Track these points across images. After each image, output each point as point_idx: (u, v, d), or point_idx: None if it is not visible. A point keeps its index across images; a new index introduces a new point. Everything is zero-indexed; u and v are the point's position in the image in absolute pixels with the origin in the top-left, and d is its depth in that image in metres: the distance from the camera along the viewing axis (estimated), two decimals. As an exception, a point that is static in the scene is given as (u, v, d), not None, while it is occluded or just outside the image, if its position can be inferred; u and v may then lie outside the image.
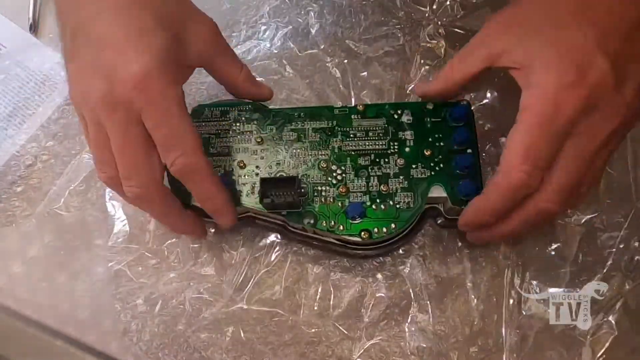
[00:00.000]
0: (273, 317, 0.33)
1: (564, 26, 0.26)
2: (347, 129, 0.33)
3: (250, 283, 0.34)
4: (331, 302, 0.33)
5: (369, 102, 0.37)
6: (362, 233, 0.30)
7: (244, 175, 0.32)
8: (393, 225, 0.31)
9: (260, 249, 0.35)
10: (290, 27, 0.40)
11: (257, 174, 0.32)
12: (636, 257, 0.33)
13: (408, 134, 0.32)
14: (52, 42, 0.41)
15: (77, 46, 0.28)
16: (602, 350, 0.32)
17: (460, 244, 0.34)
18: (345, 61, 0.39)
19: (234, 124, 0.33)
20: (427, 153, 0.32)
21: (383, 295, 0.33)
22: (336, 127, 0.33)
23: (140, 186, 0.28)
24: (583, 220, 0.34)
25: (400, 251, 0.34)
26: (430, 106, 0.33)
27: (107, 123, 0.27)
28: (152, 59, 0.26)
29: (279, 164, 0.32)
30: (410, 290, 0.33)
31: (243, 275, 0.34)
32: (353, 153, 0.32)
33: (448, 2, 0.39)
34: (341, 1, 0.41)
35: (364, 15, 0.40)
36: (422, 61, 0.38)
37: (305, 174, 0.32)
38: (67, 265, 0.35)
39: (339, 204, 0.31)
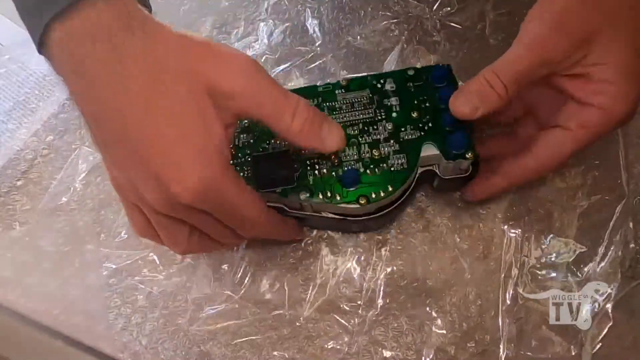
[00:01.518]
0: (272, 311, 0.33)
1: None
2: (333, 103, 0.33)
3: (250, 278, 0.34)
4: (330, 297, 0.34)
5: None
6: (360, 199, 0.30)
7: (236, 160, 0.32)
8: (390, 187, 0.30)
9: (259, 244, 0.35)
10: (289, 23, 0.40)
11: (247, 157, 0.31)
12: (634, 254, 0.33)
13: (393, 100, 0.32)
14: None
15: (108, 134, 0.23)
16: (599, 345, 0.32)
17: (458, 239, 0.34)
18: (344, 57, 0.39)
19: None
20: (415, 115, 0.32)
21: (381, 290, 0.33)
22: (322, 104, 0.33)
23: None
24: (581, 218, 0.34)
25: (399, 246, 0.34)
26: (411, 72, 0.33)
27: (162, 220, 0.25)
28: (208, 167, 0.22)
29: (269, 143, 0.32)
30: (408, 286, 0.33)
31: (242, 270, 0.34)
32: (341, 125, 0.31)
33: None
34: (340, -3, 0.41)
35: (362, 11, 0.40)
36: (419, 56, 0.38)
37: (296, 150, 0.31)
38: (60, 269, 0.35)
39: (333, 175, 0.31)
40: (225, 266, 0.35)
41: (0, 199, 0.37)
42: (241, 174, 0.31)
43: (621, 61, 0.26)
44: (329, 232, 0.35)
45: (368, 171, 0.31)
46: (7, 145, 0.38)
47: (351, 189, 0.30)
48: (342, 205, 0.30)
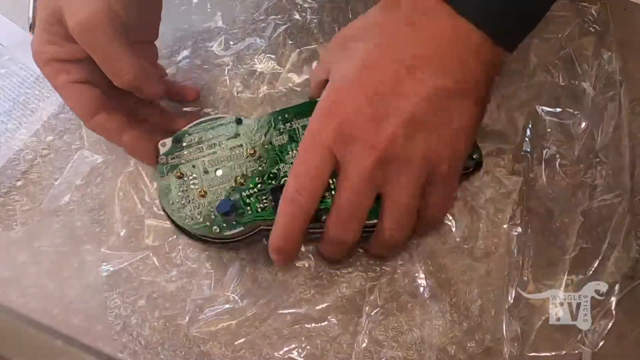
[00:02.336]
0: (272, 311, 0.33)
1: (340, 60, 0.29)
2: None
3: (250, 278, 0.34)
4: (330, 297, 0.34)
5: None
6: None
7: (248, 191, 0.31)
8: None
9: (259, 243, 0.35)
10: (289, 23, 0.40)
11: (259, 185, 0.31)
12: (635, 253, 0.33)
13: None
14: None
15: None
16: (601, 345, 0.32)
17: (458, 239, 0.34)
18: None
19: (220, 143, 0.32)
20: None
21: (382, 290, 0.33)
22: None
23: None
24: (582, 217, 0.34)
25: (399, 246, 0.34)
26: None
27: None
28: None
29: (279, 170, 0.32)
30: (409, 286, 0.33)
31: (242, 270, 0.34)
32: None
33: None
34: (340, -3, 0.41)
35: (363, 12, 0.40)
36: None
37: None
38: (59, 270, 0.35)
39: None
40: (225, 267, 0.34)
41: (0, 199, 0.37)
42: (259, 204, 0.31)
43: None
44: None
45: None
46: (7, 145, 0.38)
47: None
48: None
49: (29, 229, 0.36)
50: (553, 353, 0.32)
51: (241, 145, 0.32)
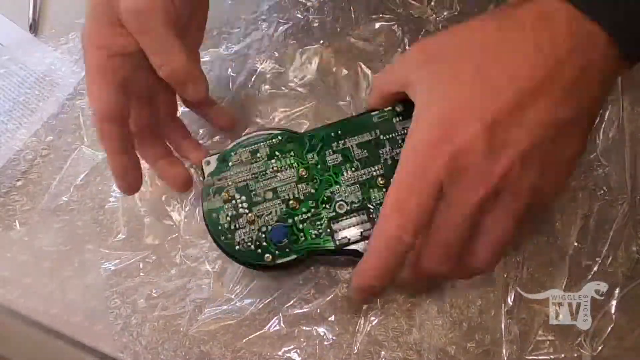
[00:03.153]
0: (271, 312, 0.33)
1: (428, 77, 0.26)
2: (393, 135, 0.30)
3: (249, 279, 0.34)
4: (330, 297, 0.34)
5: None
6: None
7: (301, 215, 0.30)
8: None
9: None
10: (291, 23, 0.40)
11: (313, 210, 0.29)
12: (635, 253, 0.33)
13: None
14: (52, 40, 0.41)
15: None
16: (601, 347, 0.32)
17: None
18: (345, 57, 0.39)
19: (269, 162, 0.30)
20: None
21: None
22: (381, 136, 0.30)
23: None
24: (582, 219, 0.34)
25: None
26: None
27: None
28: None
29: (333, 192, 0.30)
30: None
31: (242, 271, 0.34)
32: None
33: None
34: (341, -3, 0.41)
35: (364, 12, 0.40)
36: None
37: (367, 197, 0.29)
38: (59, 269, 0.36)
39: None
40: (225, 267, 0.34)
41: (0, 199, 0.37)
42: (313, 230, 0.29)
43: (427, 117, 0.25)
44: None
45: None
46: (7, 145, 0.38)
47: None
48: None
49: (29, 229, 0.36)
50: (552, 356, 0.32)
51: (292, 164, 0.30)
